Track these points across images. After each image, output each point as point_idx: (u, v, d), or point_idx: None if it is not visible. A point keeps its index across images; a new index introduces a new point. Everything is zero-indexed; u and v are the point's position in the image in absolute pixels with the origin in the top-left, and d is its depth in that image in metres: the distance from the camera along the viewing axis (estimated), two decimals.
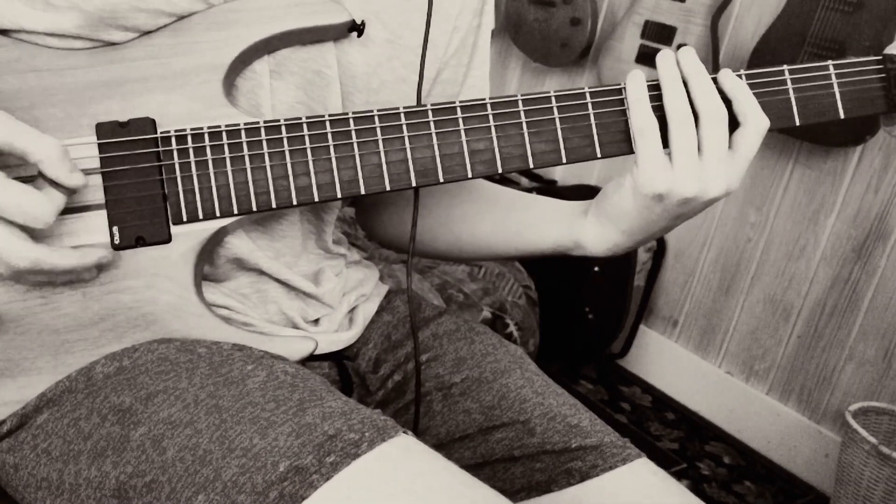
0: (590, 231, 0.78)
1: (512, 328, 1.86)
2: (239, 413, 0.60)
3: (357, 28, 0.72)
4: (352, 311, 0.86)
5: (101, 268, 0.66)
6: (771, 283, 2.05)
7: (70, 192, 0.62)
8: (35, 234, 0.62)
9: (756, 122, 0.71)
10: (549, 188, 2.25)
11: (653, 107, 0.70)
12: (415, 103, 0.81)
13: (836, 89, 0.75)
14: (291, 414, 0.60)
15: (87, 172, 0.66)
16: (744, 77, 0.73)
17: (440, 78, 0.84)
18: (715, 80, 0.71)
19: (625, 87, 0.71)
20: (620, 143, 0.72)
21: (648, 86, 0.71)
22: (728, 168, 0.71)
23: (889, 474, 1.60)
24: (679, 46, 1.94)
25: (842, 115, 0.75)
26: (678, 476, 1.93)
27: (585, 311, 2.12)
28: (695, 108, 0.70)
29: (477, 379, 0.80)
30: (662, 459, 1.98)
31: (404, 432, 0.61)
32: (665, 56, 0.71)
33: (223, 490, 0.56)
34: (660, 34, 2.01)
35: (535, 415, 0.77)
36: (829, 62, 0.75)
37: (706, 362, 2.19)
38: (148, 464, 0.59)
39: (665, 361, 2.28)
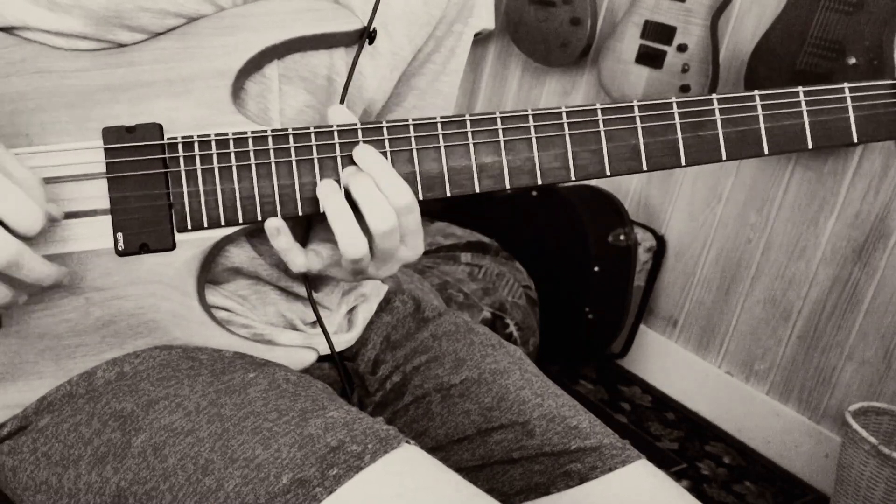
0: None
1: (512, 328, 1.86)
2: (241, 422, 0.60)
3: (368, 35, 0.71)
4: (351, 312, 0.86)
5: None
6: (771, 284, 2.05)
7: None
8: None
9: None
10: (549, 188, 2.25)
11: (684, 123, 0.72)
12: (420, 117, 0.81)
13: (850, 113, 0.74)
14: (294, 424, 0.60)
15: (93, 177, 0.66)
16: (758, 98, 0.73)
17: (411, 83, 0.84)
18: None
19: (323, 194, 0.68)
20: (630, 160, 0.72)
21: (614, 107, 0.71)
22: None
23: (889, 474, 1.60)
24: (679, 47, 1.95)
25: (855, 140, 0.74)
26: (678, 476, 1.93)
27: (585, 311, 2.12)
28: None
29: (476, 380, 0.80)
30: (662, 459, 1.98)
31: (407, 442, 0.61)
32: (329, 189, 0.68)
33: (225, 500, 0.56)
34: (660, 34, 2.00)
35: (534, 416, 0.77)
36: (845, 84, 0.74)
37: (706, 362, 2.19)
38: (149, 471, 0.59)
39: (665, 361, 2.28)
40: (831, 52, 1.71)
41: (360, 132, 0.69)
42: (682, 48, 1.97)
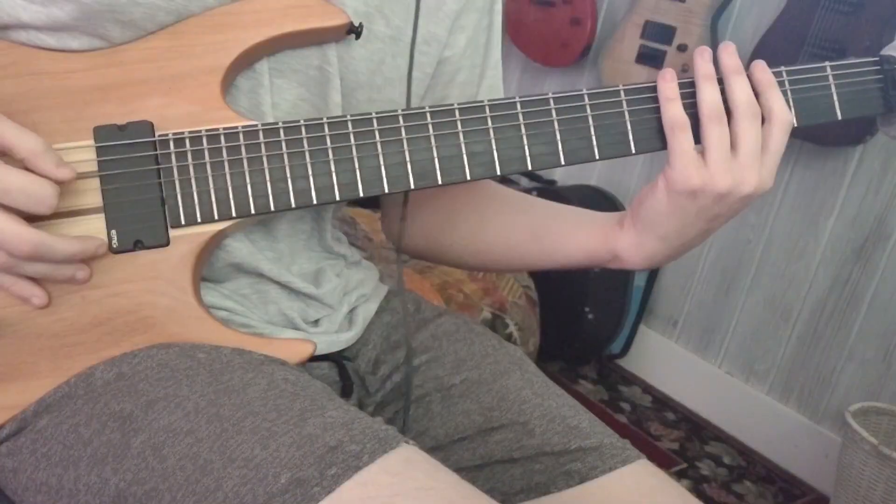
0: (626, 241, 0.77)
1: (512, 328, 1.86)
2: (240, 422, 0.60)
3: (355, 30, 0.72)
4: (352, 311, 0.86)
5: (92, 270, 0.66)
6: (771, 284, 2.05)
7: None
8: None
9: (782, 118, 0.71)
10: (549, 188, 2.25)
11: (684, 104, 0.71)
12: (418, 100, 0.81)
13: (833, 90, 0.75)
14: (293, 424, 0.59)
15: (85, 176, 0.66)
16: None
17: (456, 80, 0.84)
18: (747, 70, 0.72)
19: (655, 85, 0.72)
20: (618, 144, 0.73)
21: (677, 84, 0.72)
22: (760, 165, 0.71)
23: (889, 474, 1.60)
24: (679, 47, 1.95)
25: (839, 116, 0.75)
26: (678, 476, 1.93)
27: (585, 311, 2.12)
28: (728, 104, 0.71)
29: (476, 380, 0.80)
30: (662, 459, 1.98)
31: (406, 442, 0.60)
32: (702, 52, 0.71)
33: (224, 500, 0.56)
34: (660, 34, 2.01)
35: (534, 416, 0.77)
36: (827, 63, 0.75)
37: (706, 362, 2.19)
38: (148, 471, 0.59)
39: (665, 361, 2.28)
40: (831, 52, 1.71)
41: (349, 124, 0.69)
42: (682, 48, 1.97)
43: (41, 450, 0.65)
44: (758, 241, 2.06)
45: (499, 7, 0.86)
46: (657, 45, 2.01)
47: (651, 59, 2.02)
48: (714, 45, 1.92)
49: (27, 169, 0.61)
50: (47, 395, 0.66)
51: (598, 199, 2.19)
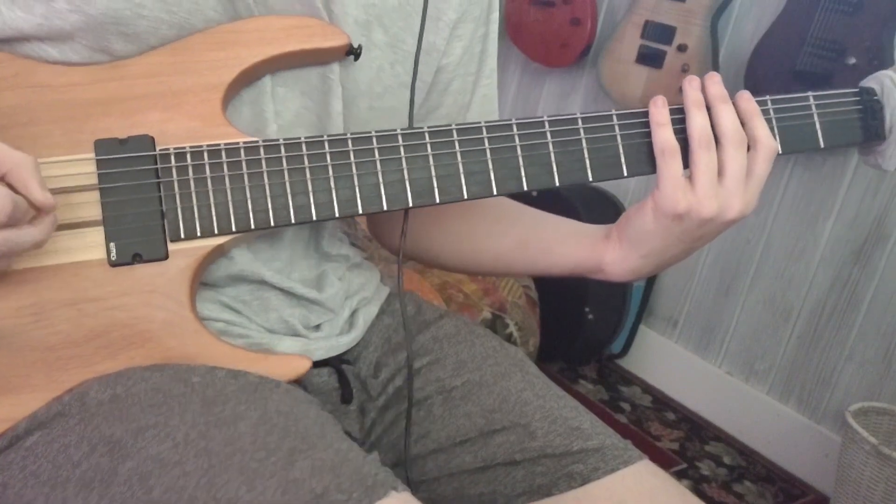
0: (612, 254, 0.80)
1: (512, 328, 1.86)
2: (228, 459, 0.59)
3: (354, 52, 0.72)
4: (353, 314, 0.86)
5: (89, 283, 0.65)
6: (771, 284, 2.05)
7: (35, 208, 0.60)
8: None
9: (767, 145, 0.73)
10: (550, 189, 2.25)
11: (674, 129, 0.73)
12: (415, 108, 0.82)
13: (816, 119, 0.78)
14: (280, 466, 0.59)
15: (85, 189, 0.66)
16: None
17: (450, 89, 0.85)
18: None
19: (646, 111, 0.74)
20: (611, 167, 0.75)
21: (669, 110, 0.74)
22: (745, 190, 0.73)
23: (889, 474, 1.60)
24: (679, 47, 1.95)
25: (822, 145, 0.78)
26: (678, 476, 1.94)
27: (585, 311, 2.12)
28: (716, 131, 0.73)
29: (478, 382, 0.80)
30: (662, 459, 1.98)
31: (394, 489, 0.59)
32: (691, 80, 0.74)
33: None
34: (660, 34, 2.01)
35: (536, 418, 0.77)
36: (809, 93, 0.78)
37: (706, 362, 2.19)
38: (133, 501, 0.59)
39: (665, 361, 2.28)
40: (831, 53, 1.71)
41: (349, 141, 0.70)
42: (682, 48, 1.97)
43: (30, 467, 0.64)
44: (757, 242, 2.06)
45: (495, 17, 0.86)
46: (657, 45, 2.01)
47: (651, 59, 2.02)
48: (714, 46, 1.93)
49: (8, 185, 0.59)
50: (40, 412, 0.65)
51: (599, 199, 2.19)
